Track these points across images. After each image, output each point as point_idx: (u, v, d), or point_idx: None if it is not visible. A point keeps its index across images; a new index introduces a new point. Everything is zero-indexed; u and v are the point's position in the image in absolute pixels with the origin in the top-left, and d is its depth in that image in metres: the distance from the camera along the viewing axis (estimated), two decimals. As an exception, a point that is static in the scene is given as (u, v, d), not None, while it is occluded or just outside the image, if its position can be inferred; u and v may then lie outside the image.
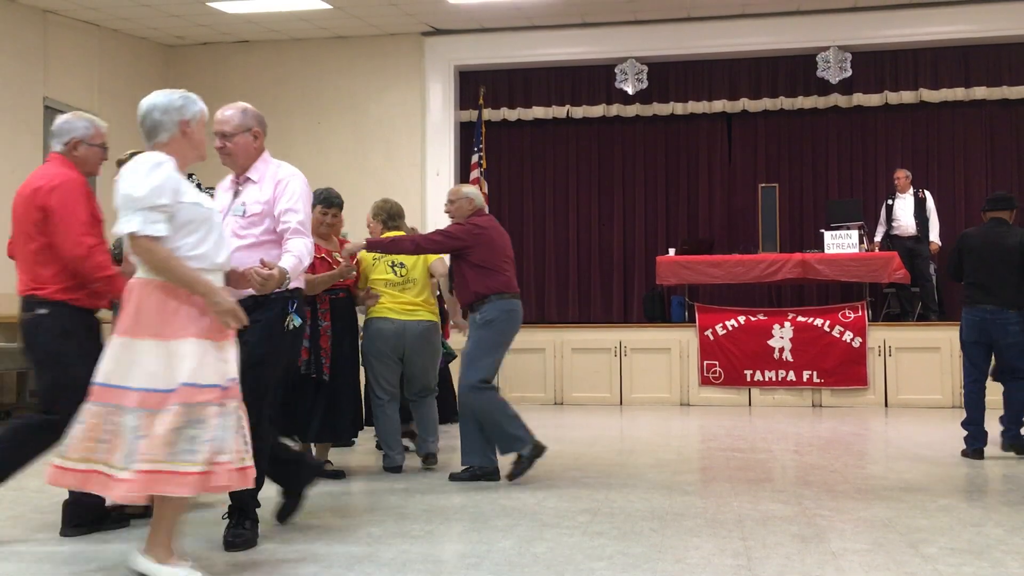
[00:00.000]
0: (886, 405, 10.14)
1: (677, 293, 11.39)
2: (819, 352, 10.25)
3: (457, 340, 7.14)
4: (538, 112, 12.38)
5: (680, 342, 10.57)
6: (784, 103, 11.96)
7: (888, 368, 10.21)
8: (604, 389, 10.64)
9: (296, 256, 4.01)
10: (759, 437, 7.83)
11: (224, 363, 3.44)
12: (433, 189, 11.81)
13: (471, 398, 5.68)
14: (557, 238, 12.56)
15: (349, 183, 9.52)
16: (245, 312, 3.56)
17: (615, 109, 12.25)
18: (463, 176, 12.00)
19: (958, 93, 11.57)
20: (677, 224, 12.38)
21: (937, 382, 10.10)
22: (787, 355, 10.30)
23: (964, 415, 6.76)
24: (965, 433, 6.71)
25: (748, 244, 11.36)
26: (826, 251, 10.69)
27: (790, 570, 3.71)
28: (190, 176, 4.21)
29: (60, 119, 4.41)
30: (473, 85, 12.36)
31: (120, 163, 4.68)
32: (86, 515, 4.34)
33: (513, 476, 5.65)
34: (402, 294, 6.11)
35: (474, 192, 6.08)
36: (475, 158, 12.08)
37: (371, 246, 5.87)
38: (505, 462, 5.74)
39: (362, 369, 6.11)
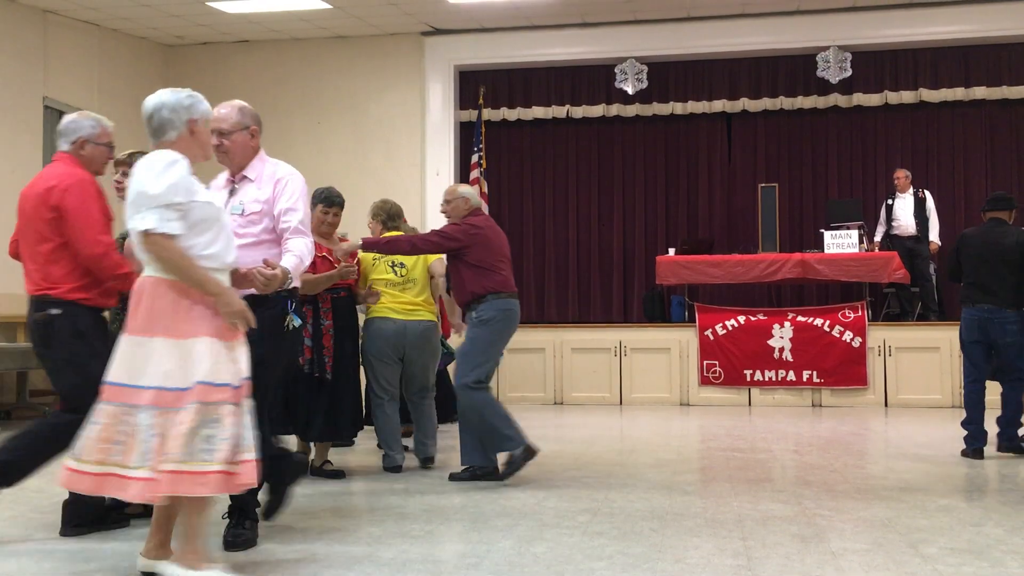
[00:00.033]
0: (886, 405, 10.14)
1: (677, 293, 11.39)
2: (819, 352, 10.25)
3: (457, 341, 7.12)
4: (538, 112, 12.38)
5: (680, 342, 10.57)
6: (784, 103, 11.96)
7: (888, 368, 10.21)
8: (604, 389, 10.64)
9: (297, 256, 4.01)
10: (759, 437, 7.83)
11: (235, 363, 3.43)
12: (433, 189, 11.77)
13: (463, 397, 5.69)
14: (557, 238, 12.55)
15: (349, 183, 9.49)
16: (245, 312, 3.55)
17: (615, 109, 12.24)
18: (463, 176, 11.99)
19: (958, 93, 11.57)
20: (677, 224, 12.37)
21: (937, 382, 10.11)
22: (787, 355, 10.30)
23: (964, 415, 6.77)
24: (965, 433, 6.72)
25: (748, 244, 11.36)
26: (826, 251, 10.69)
27: (790, 570, 3.71)
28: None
29: (67, 118, 4.41)
30: (473, 85, 12.36)
31: (118, 163, 4.68)
32: (86, 515, 4.33)
33: (504, 476, 5.65)
34: (402, 294, 6.12)
35: (470, 192, 6.07)
36: (475, 158, 12.08)
37: (367, 246, 5.86)
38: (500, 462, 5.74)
39: (361, 368, 6.11)
